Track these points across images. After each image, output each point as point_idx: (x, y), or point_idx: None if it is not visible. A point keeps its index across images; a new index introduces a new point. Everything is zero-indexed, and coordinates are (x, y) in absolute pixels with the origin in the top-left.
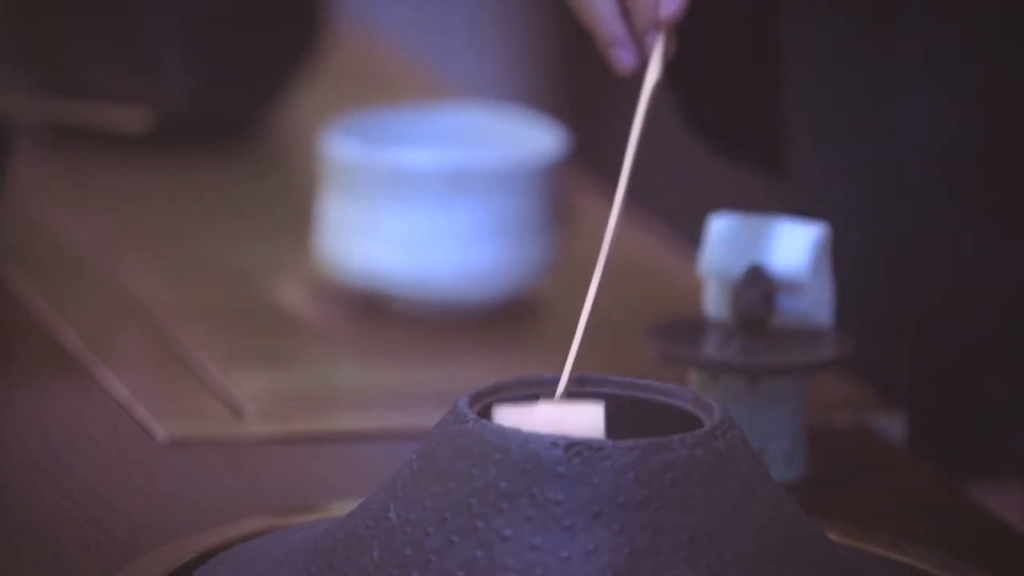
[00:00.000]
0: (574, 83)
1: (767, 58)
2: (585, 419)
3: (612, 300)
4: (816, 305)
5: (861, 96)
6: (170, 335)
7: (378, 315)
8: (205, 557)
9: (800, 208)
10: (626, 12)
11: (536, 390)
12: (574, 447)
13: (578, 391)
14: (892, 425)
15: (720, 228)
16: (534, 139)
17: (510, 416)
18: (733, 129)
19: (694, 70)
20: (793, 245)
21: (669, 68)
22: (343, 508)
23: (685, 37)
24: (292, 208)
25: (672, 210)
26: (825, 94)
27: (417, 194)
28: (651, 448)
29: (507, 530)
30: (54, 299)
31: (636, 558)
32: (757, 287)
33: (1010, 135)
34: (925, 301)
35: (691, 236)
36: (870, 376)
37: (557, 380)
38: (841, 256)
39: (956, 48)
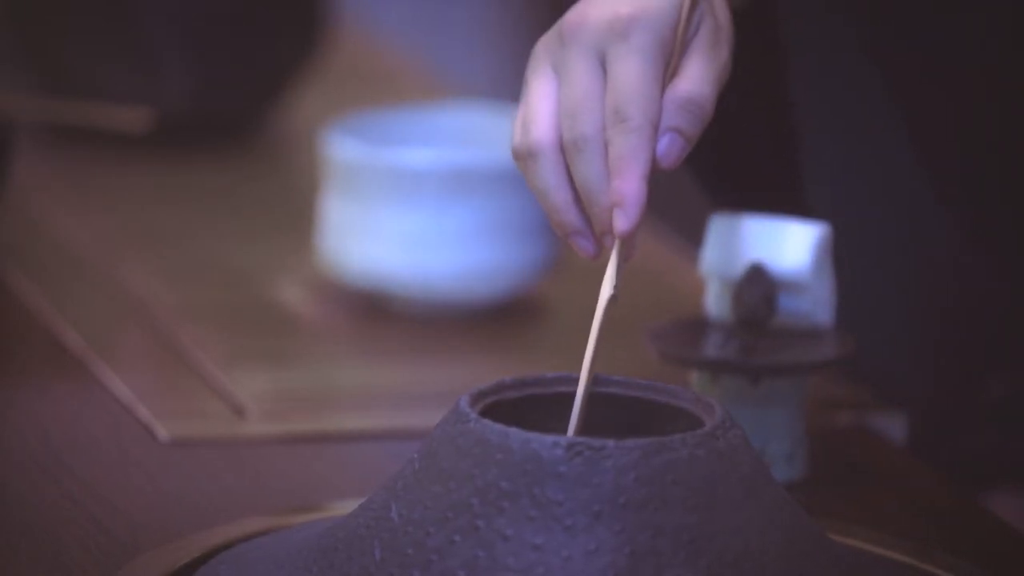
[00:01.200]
0: None
1: (774, 109)
2: None
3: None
4: (817, 305)
5: (861, 97)
6: (171, 335)
7: (379, 315)
8: (206, 557)
9: (801, 208)
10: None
11: (537, 390)
12: (575, 447)
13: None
14: (892, 425)
15: (721, 228)
16: None
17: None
18: (742, 179)
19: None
20: (794, 245)
21: None
22: (344, 508)
23: None
24: (292, 208)
25: (673, 210)
26: (825, 96)
27: (417, 194)
28: (652, 448)
29: (508, 530)
30: (54, 299)
31: (637, 558)
32: (758, 287)
33: (1011, 137)
34: (926, 301)
35: (692, 236)
36: (870, 376)
37: (558, 380)
38: (842, 256)
39: (953, 53)
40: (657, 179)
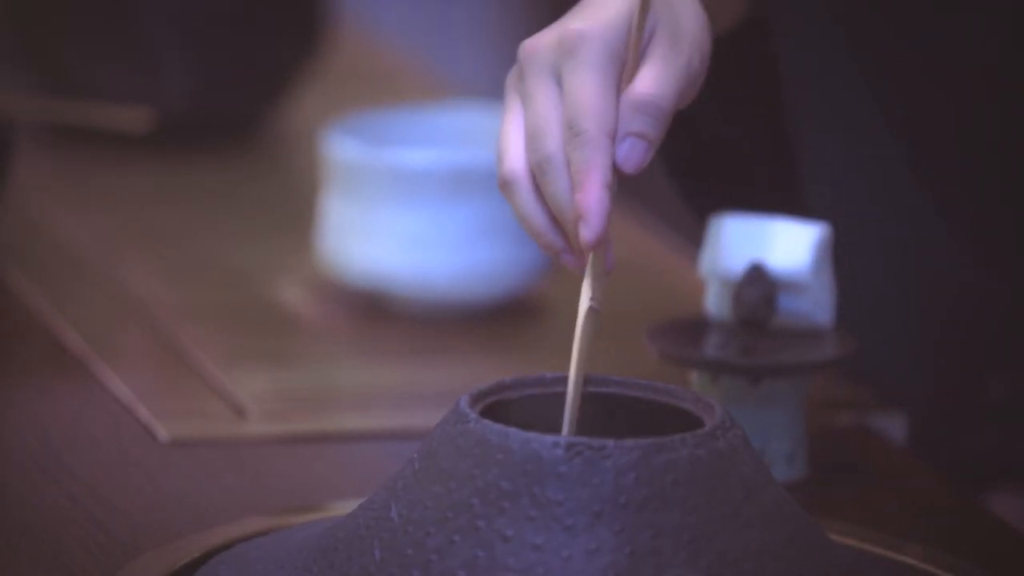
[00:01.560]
0: None
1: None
2: None
3: (613, 300)
4: (817, 305)
5: (860, 98)
6: (171, 335)
7: (378, 315)
8: (206, 557)
9: (801, 208)
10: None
11: (537, 390)
12: (575, 447)
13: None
14: (892, 425)
15: (721, 228)
16: None
17: None
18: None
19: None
20: (794, 245)
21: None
22: (344, 508)
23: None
24: (292, 208)
25: (673, 210)
26: (824, 96)
27: (417, 194)
28: (652, 448)
29: (508, 530)
30: (54, 299)
31: (637, 558)
32: (758, 287)
33: (1010, 138)
34: (925, 301)
35: (692, 236)
36: (870, 376)
37: (558, 380)
38: (842, 256)
39: (953, 53)
40: (656, 181)
